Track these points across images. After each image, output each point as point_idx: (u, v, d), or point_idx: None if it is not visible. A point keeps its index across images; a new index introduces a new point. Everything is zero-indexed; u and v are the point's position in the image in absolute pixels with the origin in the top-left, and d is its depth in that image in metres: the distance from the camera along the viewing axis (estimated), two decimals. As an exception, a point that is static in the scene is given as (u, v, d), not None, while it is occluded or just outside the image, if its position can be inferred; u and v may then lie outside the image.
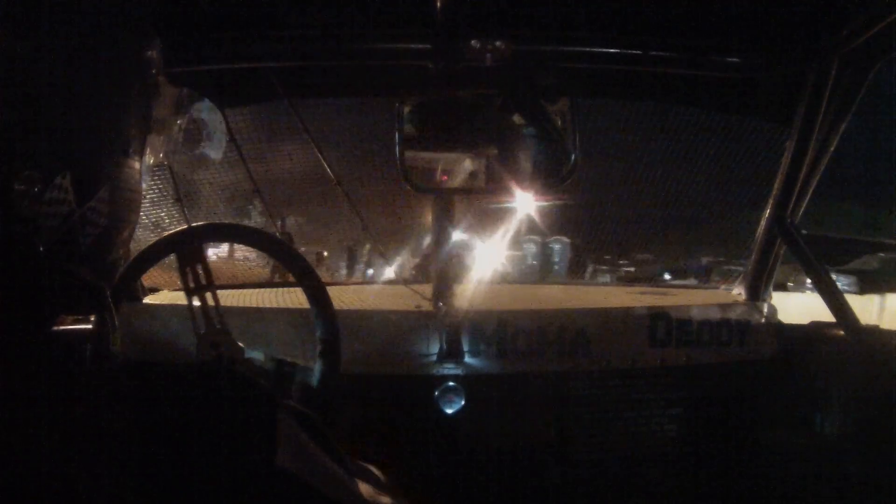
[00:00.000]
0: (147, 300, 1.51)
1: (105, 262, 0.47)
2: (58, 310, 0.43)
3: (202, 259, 1.06)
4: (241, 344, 1.05)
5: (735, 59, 1.43)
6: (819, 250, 1.43)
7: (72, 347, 0.43)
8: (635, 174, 2.04)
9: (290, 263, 1.09)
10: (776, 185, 1.52)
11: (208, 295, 1.06)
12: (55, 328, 0.45)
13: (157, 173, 1.78)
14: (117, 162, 0.46)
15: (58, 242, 0.42)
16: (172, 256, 1.07)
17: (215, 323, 1.05)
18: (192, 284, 1.05)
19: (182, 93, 0.59)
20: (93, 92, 0.43)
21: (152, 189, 1.82)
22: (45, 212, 0.40)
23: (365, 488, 0.52)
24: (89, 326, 0.49)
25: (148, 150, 0.51)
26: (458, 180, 1.36)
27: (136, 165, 0.48)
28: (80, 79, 0.42)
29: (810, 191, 1.50)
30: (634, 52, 1.42)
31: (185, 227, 1.12)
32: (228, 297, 1.59)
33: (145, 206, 1.88)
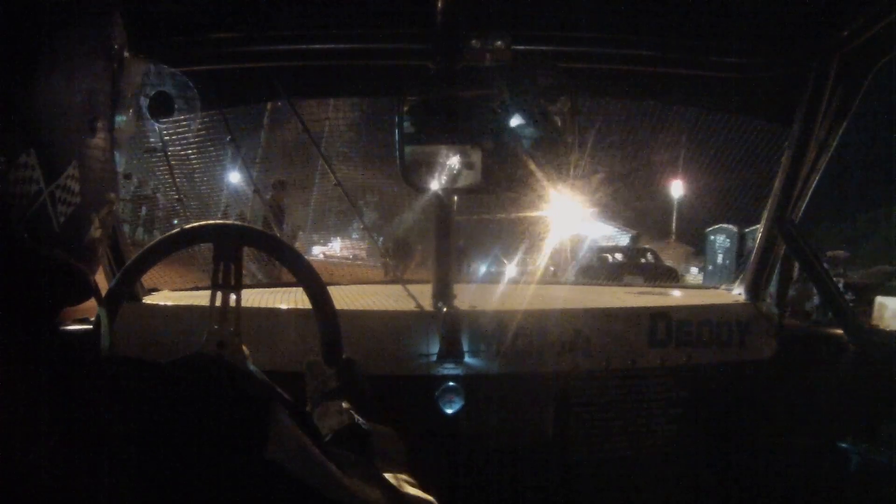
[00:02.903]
0: (147, 300, 1.51)
1: (82, 243, 0.47)
2: (42, 297, 0.43)
3: (238, 259, 1.06)
4: (246, 350, 1.05)
5: (735, 59, 1.43)
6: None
7: (72, 347, 0.43)
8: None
9: (291, 263, 1.09)
10: (776, 185, 1.52)
11: (233, 296, 1.06)
12: (55, 328, 0.45)
13: (157, 172, 1.78)
14: (84, 138, 0.45)
15: (29, 223, 0.41)
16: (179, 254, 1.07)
17: (230, 325, 1.05)
18: (220, 281, 1.05)
19: (150, 70, 0.59)
20: (53, 68, 0.42)
21: (153, 188, 1.82)
22: (11, 192, 0.40)
23: (353, 482, 0.52)
24: (89, 327, 0.49)
25: (118, 128, 0.50)
26: (457, 180, 1.36)
27: (105, 142, 0.48)
28: (40, 55, 0.41)
29: (810, 191, 1.50)
30: (634, 52, 1.42)
31: (185, 227, 1.12)
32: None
33: (146, 206, 1.88)
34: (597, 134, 1.80)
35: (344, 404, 0.91)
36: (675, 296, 2.02)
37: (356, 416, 0.89)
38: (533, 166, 1.30)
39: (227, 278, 1.06)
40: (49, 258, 0.43)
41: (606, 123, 1.82)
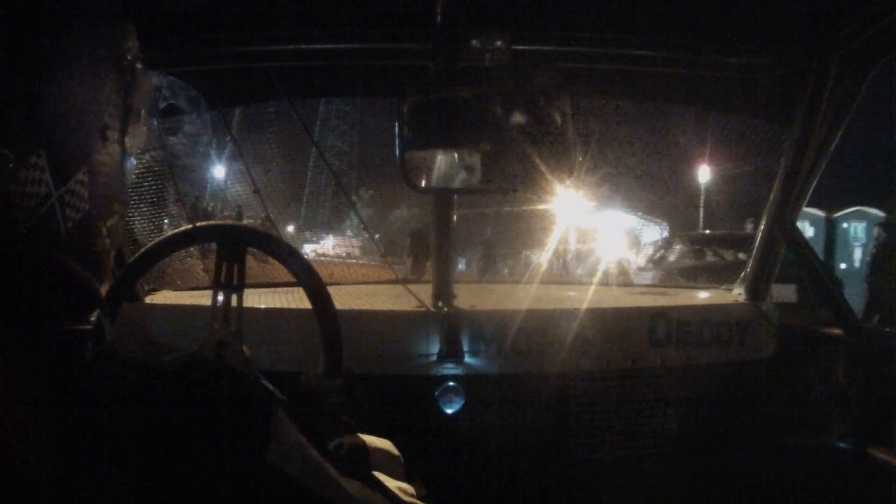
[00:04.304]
0: (147, 300, 1.51)
1: (90, 250, 0.47)
2: (50, 303, 0.43)
3: (241, 260, 1.06)
4: (247, 351, 1.05)
5: (735, 59, 1.43)
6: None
7: (72, 347, 0.43)
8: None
9: (292, 263, 1.09)
10: (776, 185, 1.52)
11: (234, 296, 1.05)
12: (55, 327, 0.45)
13: (156, 172, 1.78)
14: (94, 145, 0.45)
15: (36, 225, 0.41)
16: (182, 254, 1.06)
17: (231, 325, 1.04)
18: (223, 280, 1.05)
19: (162, 82, 0.59)
20: (66, 75, 0.42)
21: (152, 189, 1.82)
22: (20, 191, 0.40)
23: (353, 485, 0.52)
24: (89, 326, 0.49)
25: (128, 138, 0.50)
26: (457, 180, 1.36)
27: (116, 151, 0.48)
28: (54, 60, 0.41)
29: (810, 191, 1.50)
30: (634, 52, 1.42)
31: (187, 227, 1.12)
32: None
33: (146, 206, 1.89)
34: (616, 112, 1.75)
35: (345, 419, 0.90)
36: (675, 296, 2.02)
37: (357, 434, 0.88)
38: (533, 166, 1.30)
39: (229, 278, 1.05)
40: (53, 261, 0.43)
41: (629, 104, 1.75)
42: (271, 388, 0.81)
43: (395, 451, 0.91)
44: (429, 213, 1.53)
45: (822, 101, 1.39)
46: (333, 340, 1.06)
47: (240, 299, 1.05)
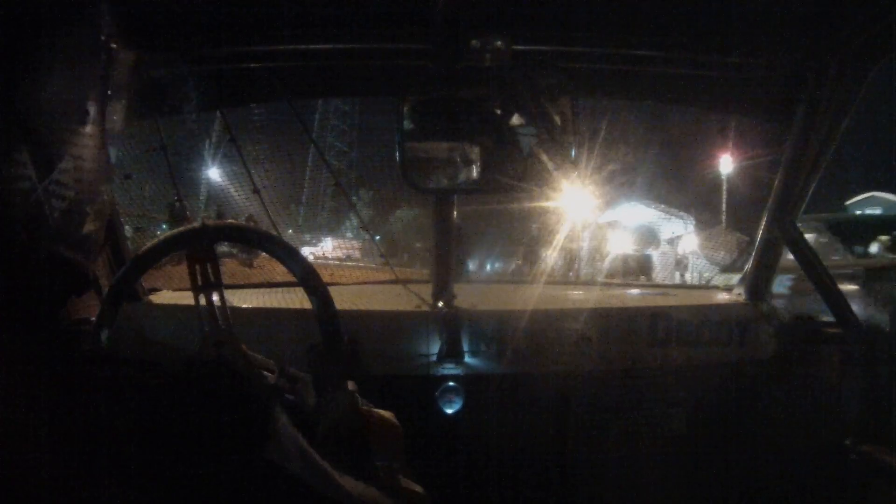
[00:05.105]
0: (147, 300, 1.51)
1: (78, 235, 0.46)
2: (42, 293, 0.43)
3: (212, 257, 1.06)
4: (243, 345, 1.05)
5: (735, 59, 1.43)
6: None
7: (71, 345, 0.43)
8: None
9: (293, 264, 1.09)
10: (776, 185, 1.52)
11: (215, 294, 1.05)
12: (55, 326, 0.45)
13: (156, 171, 1.78)
14: (75, 131, 0.45)
15: (24, 219, 0.41)
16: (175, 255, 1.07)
17: (220, 323, 1.04)
18: (200, 282, 1.05)
19: (142, 59, 0.59)
20: (41, 64, 0.41)
21: (153, 188, 1.82)
22: (6, 189, 0.40)
23: (348, 481, 0.53)
24: (88, 327, 0.49)
25: (109, 120, 0.50)
26: (458, 180, 1.36)
27: (98, 133, 0.48)
28: (27, 52, 0.40)
29: (810, 191, 1.50)
30: (634, 52, 1.42)
31: (188, 226, 1.12)
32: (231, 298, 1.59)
33: (146, 206, 1.88)
34: (634, 104, 1.71)
35: (350, 385, 0.92)
36: (675, 296, 2.02)
37: (361, 400, 0.90)
38: (534, 165, 1.30)
39: (205, 278, 1.05)
40: (46, 253, 0.43)
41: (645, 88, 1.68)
42: (270, 379, 0.81)
43: (394, 420, 0.92)
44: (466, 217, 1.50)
45: (822, 101, 1.39)
46: (333, 340, 1.06)
47: (221, 296, 1.06)
